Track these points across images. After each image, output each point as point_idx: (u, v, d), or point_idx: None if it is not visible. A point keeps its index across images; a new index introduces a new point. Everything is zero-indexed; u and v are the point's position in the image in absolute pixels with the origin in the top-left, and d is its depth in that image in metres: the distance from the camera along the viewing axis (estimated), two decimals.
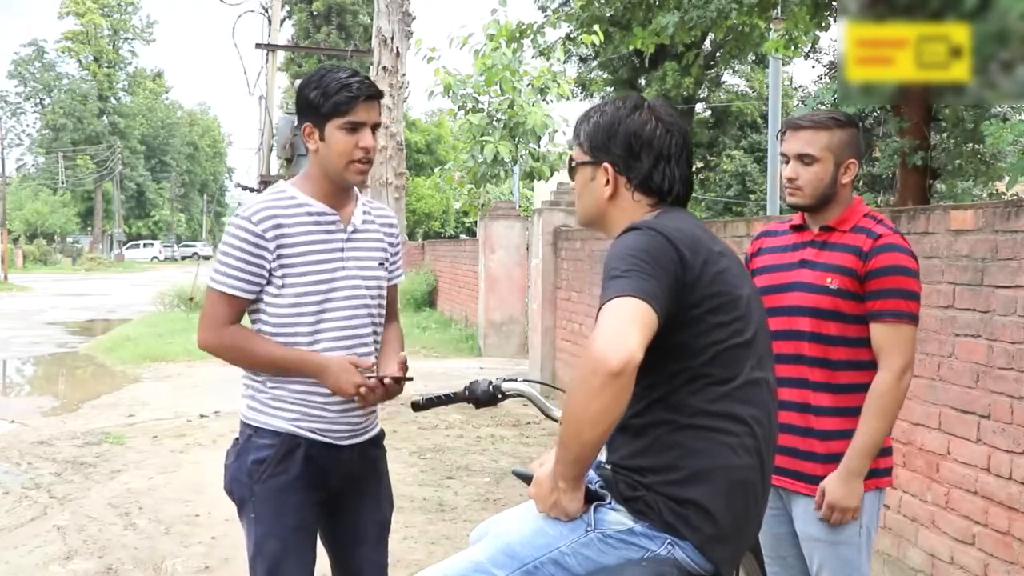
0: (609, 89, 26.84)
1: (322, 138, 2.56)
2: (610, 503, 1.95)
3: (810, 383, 2.68)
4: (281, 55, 23.54)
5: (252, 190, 17.83)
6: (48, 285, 34.36)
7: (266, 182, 16.30)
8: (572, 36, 14.26)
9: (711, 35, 21.94)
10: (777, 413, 2.09)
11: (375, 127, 2.60)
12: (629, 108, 2.08)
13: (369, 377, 2.60)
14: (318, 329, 2.58)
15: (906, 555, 4.27)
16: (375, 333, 2.71)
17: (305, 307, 2.57)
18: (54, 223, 61.92)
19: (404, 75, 9.36)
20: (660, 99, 2.17)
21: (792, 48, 10.99)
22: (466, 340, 14.78)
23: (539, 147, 15.72)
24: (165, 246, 71.88)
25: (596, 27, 12.38)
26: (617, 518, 1.93)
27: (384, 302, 2.75)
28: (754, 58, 27.42)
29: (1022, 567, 3.53)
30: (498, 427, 8.23)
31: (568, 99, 16.73)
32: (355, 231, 2.66)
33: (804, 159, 2.71)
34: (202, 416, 8.66)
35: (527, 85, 15.12)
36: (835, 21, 9.88)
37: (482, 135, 14.93)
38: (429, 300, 20.09)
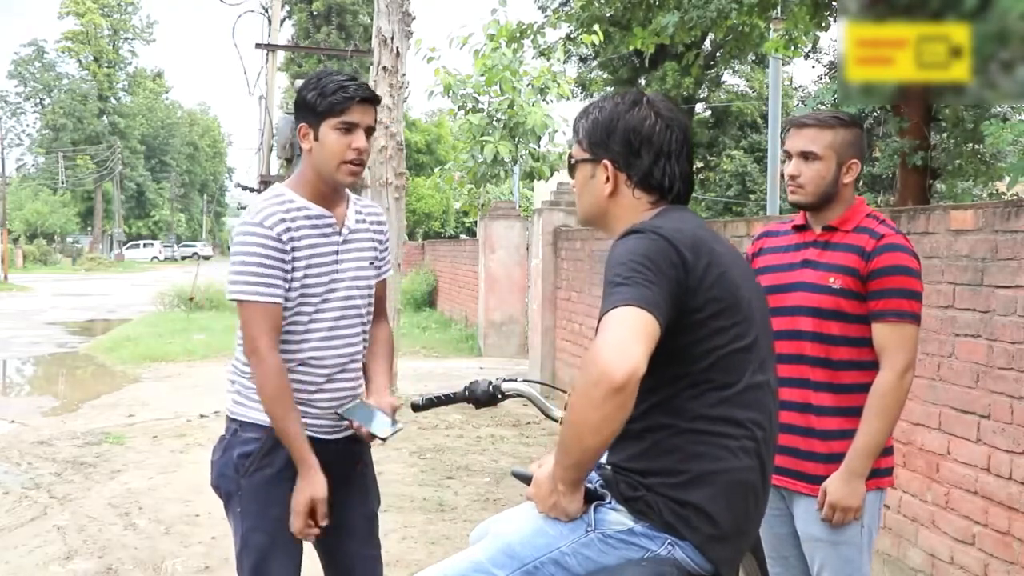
0: (609, 89, 26.82)
1: (316, 138, 2.58)
2: (610, 503, 1.95)
3: (812, 383, 2.68)
4: (281, 55, 23.55)
5: (252, 190, 17.82)
6: (48, 285, 34.35)
7: (266, 182, 16.30)
8: (572, 36, 14.27)
9: (711, 35, 21.93)
10: (778, 414, 2.08)
11: (369, 130, 2.62)
12: (628, 104, 2.05)
13: (349, 417, 2.64)
14: (309, 329, 2.60)
15: (906, 555, 4.27)
16: (364, 332, 2.74)
17: (303, 309, 2.59)
18: (54, 223, 61.91)
19: (404, 75, 9.35)
20: (660, 94, 2.13)
21: (792, 48, 10.99)
22: (466, 340, 14.78)
23: (539, 147, 15.72)
24: (165, 246, 71.86)
25: (596, 27, 12.38)
26: (617, 518, 1.93)
27: (373, 300, 2.78)
28: (754, 58, 27.39)
29: (1022, 567, 3.53)
30: (498, 427, 8.23)
31: (568, 99, 16.72)
32: (350, 233, 2.69)
33: (807, 156, 2.72)
34: (202, 416, 8.66)
35: (527, 85, 15.12)
36: (835, 21, 9.88)
37: (482, 135, 14.93)
38: (429, 300, 20.10)
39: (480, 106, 15.48)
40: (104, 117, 73.03)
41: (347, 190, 2.74)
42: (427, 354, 13.72)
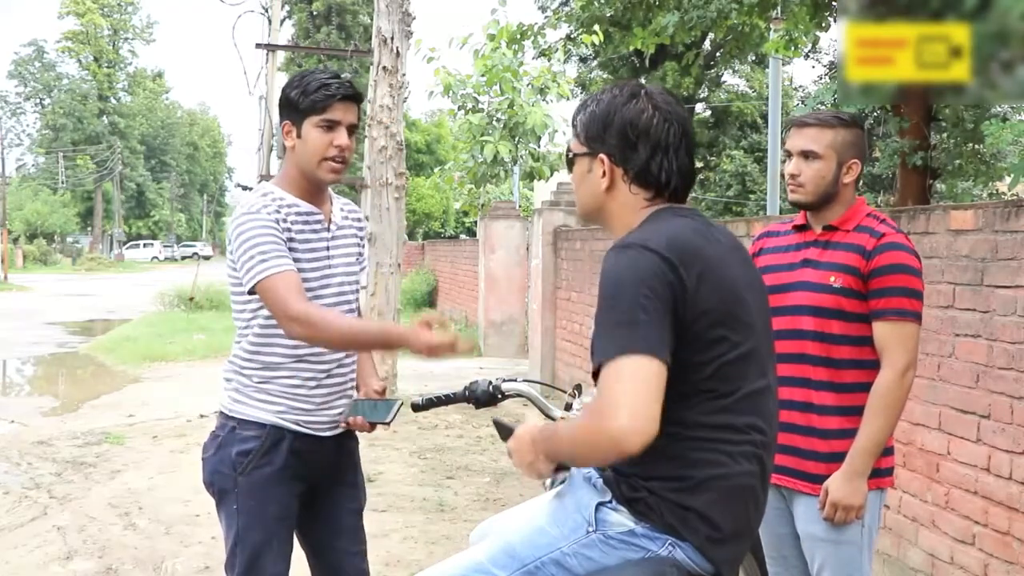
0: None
1: (299, 135, 2.60)
2: (611, 504, 1.95)
3: (813, 382, 2.69)
4: (281, 55, 23.53)
5: (252, 190, 17.82)
6: (48, 285, 34.35)
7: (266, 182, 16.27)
8: (572, 36, 14.26)
9: (711, 35, 21.94)
10: (777, 414, 2.08)
11: (352, 128, 2.63)
12: (626, 96, 2.01)
13: (353, 416, 2.68)
14: None
15: (906, 555, 4.27)
16: None
17: None
18: (54, 223, 61.88)
19: (404, 75, 9.34)
20: (659, 86, 2.09)
21: (792, 48, 10.99)
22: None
23: (539, 147, 15.70)
24: (165, 246, 71.85)
25: (596, 27, 12.38)
26: (618, 519, 1.93)
27: (358, 295, 2.82)
28: (754, 58, 27.39)
29: (1022, 567, 3.53)
30: None
31: (568, 99, 16.70)
32: (338, 229, 2.72)
33: (807, 156, 2.73)
34: (202, 416, 8.66)
35: (527, 85, 15.11)
36: (835, 21, 9.88)
37: (482, 135, 14.92)
38: (429, 300, 20.09)
39: (480, 106, 15.47)
40: (104, 117, 72.99)
41: (329, 190, 2.77)
42: None
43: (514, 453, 2.01)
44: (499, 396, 2.77)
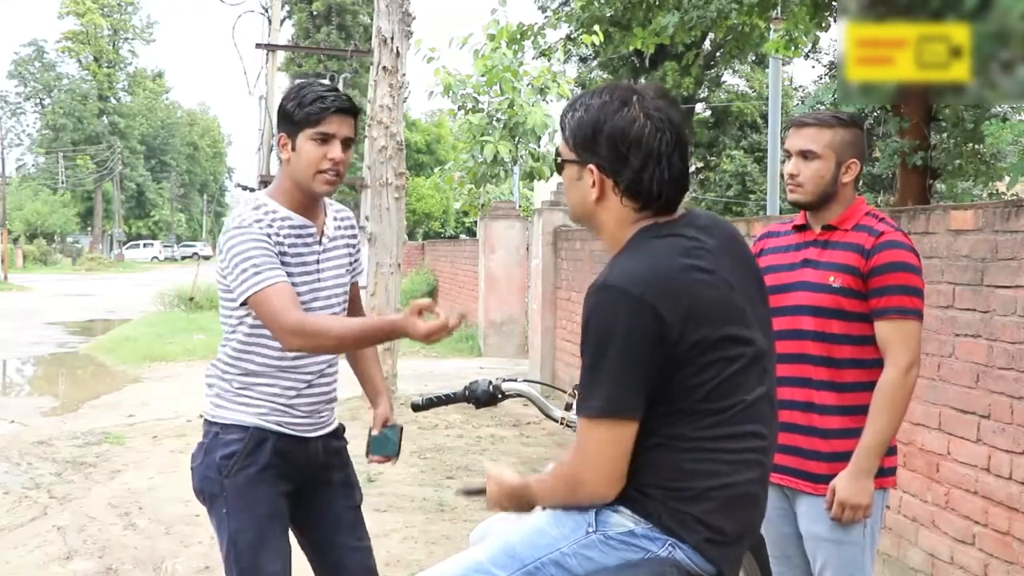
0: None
1: (294, 148, 2.60)
2: (611, 504, 1.95)
3: (814, 382, 2.69)
4: (281, 55, 23.54)
5: (252, 190, 17.84)
6: (48, 285, 34.35)
7: (265, 182, 16.30)
8: (572, 36, 14.26)
9: (711, 35, 21.94)
10: (777, 414, 2.07)
11: (347, 142, 2.62)
12: (616, 104, 1.92)
13: (376, 456, 2.83)
14: None
15: (906, 555, 4.27)
16: None
17: None
18: (54, 223, 61.87)
19: (404, 75, 9.34)
20: (653, 86, 2.01)
21: (792, 48, 10.99)
22: (466, 340, 14.78)
23: (539, 147, 15.69)
24: (165, 246, 71.85)
25: (596, 27, 12.38)
26: (618, 520, 1.93)
27: (347, 305, 2.81)
28: (754, 58, 27.41)
29: (1022, 567, 3.53)
30: (498, 427, 8.23)
31: (568, 99, 16.70)
32: (329, 242, 2.72)
33: (806, 155, 2.73)
34: (202, 416, 8.65)
35: (527, 85, 15.10)
36: (835, 21, 9.88)
37: (482, 135, 14.90)
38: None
39: (480, 106, 15.45)
40: (104, 117, 72.97)
41: (324, 199, 2.76)
42: (427, 354, 13.71)
43: (491, 497, 2.11)
44: (499, 396, 2.77)
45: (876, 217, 2.73)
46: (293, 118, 2.59)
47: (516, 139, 15.04)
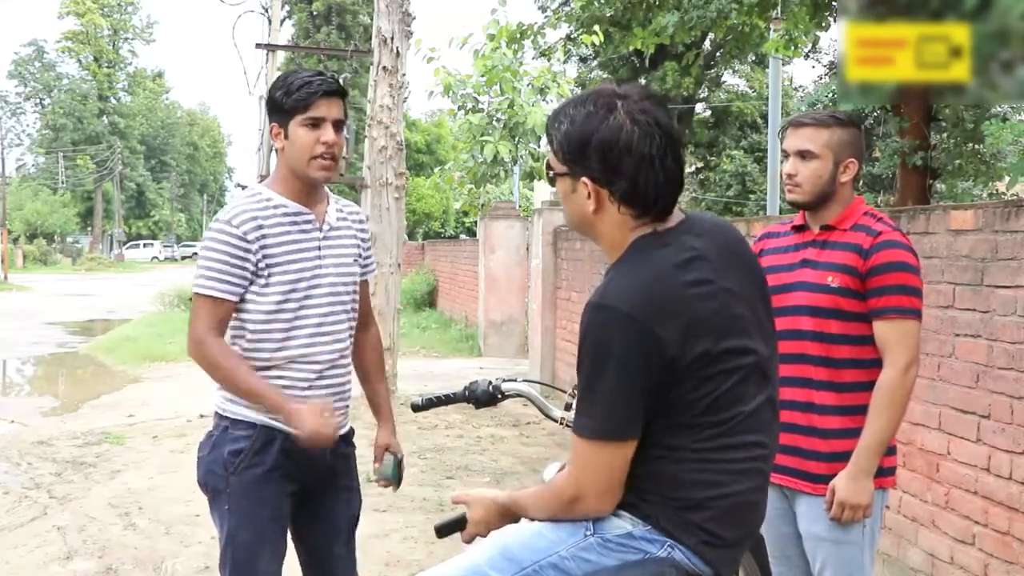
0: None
1: (286, 136, 2.62)
2: None
3: (814, 382, 2.69)
4: (281, 55, 23.53)
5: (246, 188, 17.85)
6: (48, 285, 34.35)
7: None
8: (572, 36, 14.27)
9: (711, 35, 21.94)
10: (779, 417, 2.05)
11: (338, 123, 2.64)
12: (602, 114, 1.87)
13: (384, 478, 2.90)
14: (295, 326, 2.63)
15: (906, 555, 4.27)
16: (351, 328, 2.78)
17: (287, 304, 2.63)
18: (54, 223, 61.87)
19: (404, 75, 9.35)
20: (636, 88, 1.94)
21: (792, 48, 10.99)
22: (466, 340, 14.78)
23: (539, 147, 15.70)
24: (165, 246, 71.84)
25: (596, 27, 12.39)
26: (616, 522, 1.92)
27: (358, 296, 2.82)
28: (754, 58, 27.40)
29: (1022, 567, 3.53)
30: (498, 427, 8.23)
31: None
32: (331, 229, 2.72)
33: (804, 155, 2.73)
34: (202, 416, 8.65)
35: (527, 85, 15.11)
36: (835, 21, 9.88)
37: (482, 135, 14.91)
38: (429, 300, 20.09)
39: (480, 106, 15.46)
40: (104, 117, 72.96)
41: (327, 189, 2.78)
42: (427, 354, 13.72)
43: (473, 521, 2.10)
44: (499, 396, 2.77)
45: (874, 217, 2.73)
46: (283, 106, 2.61)
47: (516, 139, 15.04)
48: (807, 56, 22.26)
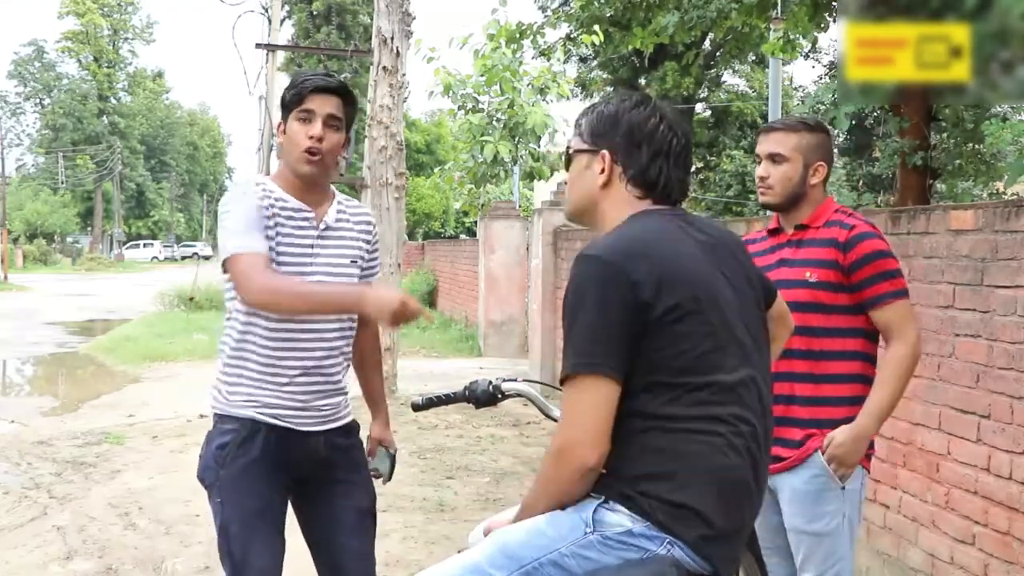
0: (609, 89, 26.84)
1: (284, 131, 2.67)
2: (608, 504, 1.95)
3: (795, 375, 2.77)
4: (281, 55, 23.53)
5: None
6: (48, 285, 34.34)
7: None
8: (572, 36, 14.27)
9: (711, 35, 21.95)
10: (771, 409, 2.10)
11: (330, 119, 2.63)
12: (634, 102, 2.10)
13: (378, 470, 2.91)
14: (281, 318, 2.61)
15: (906, 555, 4.27)
16: (341, 328, 2.73)
17: None
18: (54, 223, 61.87)
19: (404, 75, 9.35)
20: (667, 102, 2.20)
21: (790, 50, 10.99)
22: (466, 340, 14.78)
23: (539, 147, 15.72)
24: (165, 246, 71.80)
25: (596, 27, 12.39)
26: (616, 519, 1.93)
27: None
28: (754, 58, 27.43)
29: (1022, 567, 3.53)
30: (498, 427, 8.23)
31: (568, 99, 16.72)
32: (327, 228, 2.71)
33: (775, 159, 2.85)
34: (202, 416, 8.64)
35: (527, 85, 15.12)
36: (835, 21, 9.88)
37: (482, 135, 14.92)
38: (429, 300, 20.09)
39: (480, 106, 15.48)
40: (104, 117, 72.93)
41: (334, 191, 2.78)
42: (427, 354, 13.72)
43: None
44: (499, 396, 2.77)
45: (845, 213, 2.84)
46: (284, 101, 2.67)
47: (516, 139, 15.06)
48: (807, 56, 22.30)
